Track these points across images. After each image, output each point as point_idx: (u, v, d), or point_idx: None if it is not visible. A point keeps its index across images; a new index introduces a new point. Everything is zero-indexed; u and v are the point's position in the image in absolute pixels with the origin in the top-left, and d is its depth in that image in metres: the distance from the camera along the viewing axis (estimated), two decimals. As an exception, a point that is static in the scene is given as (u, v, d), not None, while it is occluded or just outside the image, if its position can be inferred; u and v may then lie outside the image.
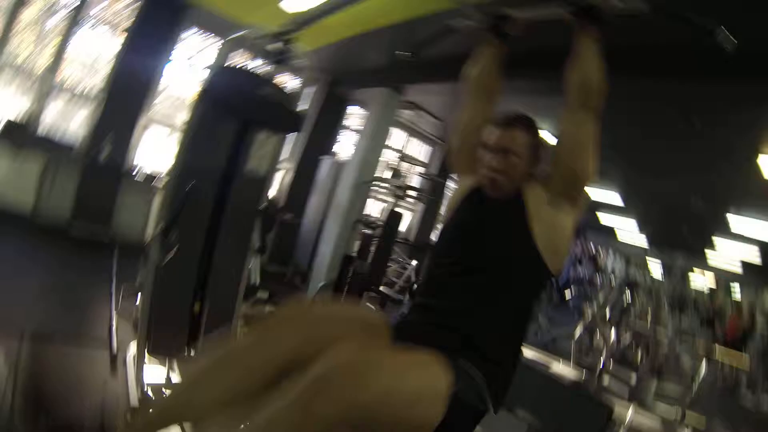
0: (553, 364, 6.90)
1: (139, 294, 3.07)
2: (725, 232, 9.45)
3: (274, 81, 3.18)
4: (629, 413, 4.71)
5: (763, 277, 14.11)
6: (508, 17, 1.87)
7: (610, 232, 15.99)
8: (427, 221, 10.50)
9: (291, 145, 7.92)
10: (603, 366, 6.44)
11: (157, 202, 3.09)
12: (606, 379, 6.51)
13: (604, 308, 7.61)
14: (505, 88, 1.94)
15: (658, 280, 10.53)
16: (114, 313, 3.97)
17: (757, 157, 4.84)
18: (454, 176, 2.08)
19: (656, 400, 5.83)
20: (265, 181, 3.19)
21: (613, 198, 9.65)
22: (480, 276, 1.60)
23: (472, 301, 1.58)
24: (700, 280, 24.35)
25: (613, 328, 7.10)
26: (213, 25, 6.48)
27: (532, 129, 1.71)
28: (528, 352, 7.27)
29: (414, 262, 7.47)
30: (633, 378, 6.03)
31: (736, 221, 8.06)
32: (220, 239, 3.04)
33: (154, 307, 2.92)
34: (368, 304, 5.67)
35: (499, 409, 1.56)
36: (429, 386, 1.35)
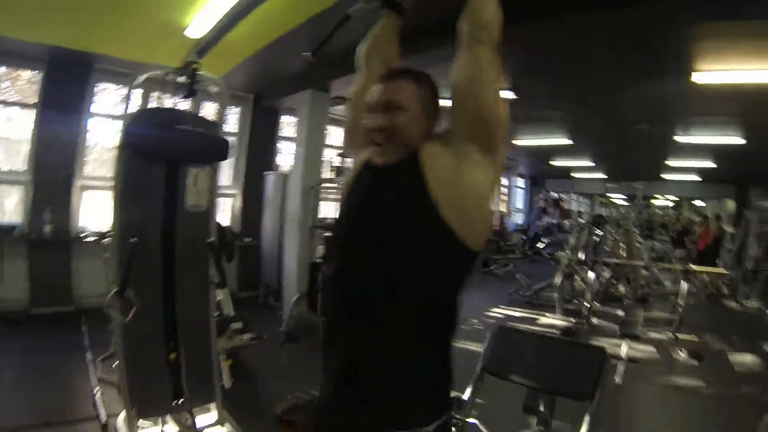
0: (541, 319, 7.01)
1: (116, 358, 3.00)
2: (676, 150, 9.67)
3: (191, 113, 3.11)
4: (623, 348, 4.80)
5: (721, 188, 14.56)
6: None
7: (567, 175, 16.27)
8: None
9: (232, 169, 7.84)
10: (589, 308, 6.53)
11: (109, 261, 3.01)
12: (595, 320, 6.62)
13: (577, 251, 7.70)
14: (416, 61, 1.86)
15: (624, 212, 10.70)
16: (95, 383, 3.87)
17: (690, 75, 4.94)
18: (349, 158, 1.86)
19: (647, 330, 5.92)
20: (209, 214, 3.12)
21: (563, 141, 9.82)
22: (375, 271, 1.28)
23: (370, 317, 1.28)
24: (663, 203, 25.00)
25: (589, 269, 7.19)
26: (122, 73, 6.27)
27: (422, 80, 1.41)
28: (513, 312, 7.38)
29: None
30: (620, 313, 6.11)
31: (683, 138, 8.22)
32: (177, 283, 2.97)
33: (131, 368, 2.85)
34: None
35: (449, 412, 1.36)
36: None
